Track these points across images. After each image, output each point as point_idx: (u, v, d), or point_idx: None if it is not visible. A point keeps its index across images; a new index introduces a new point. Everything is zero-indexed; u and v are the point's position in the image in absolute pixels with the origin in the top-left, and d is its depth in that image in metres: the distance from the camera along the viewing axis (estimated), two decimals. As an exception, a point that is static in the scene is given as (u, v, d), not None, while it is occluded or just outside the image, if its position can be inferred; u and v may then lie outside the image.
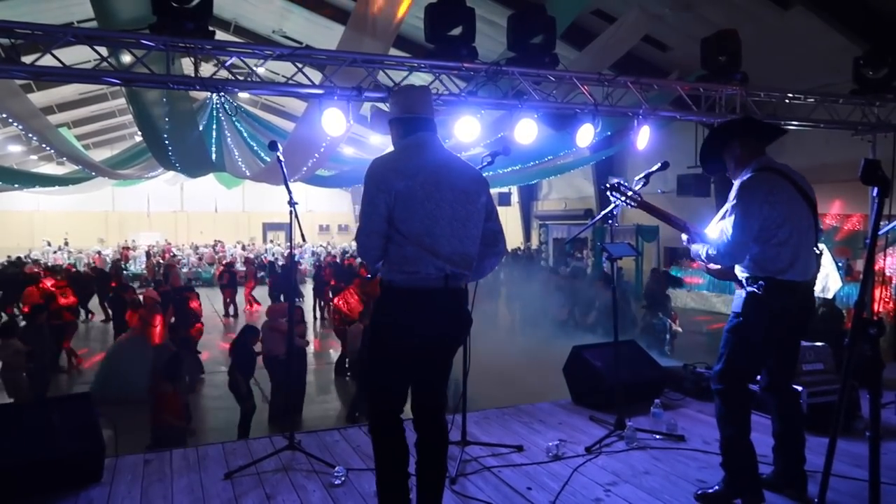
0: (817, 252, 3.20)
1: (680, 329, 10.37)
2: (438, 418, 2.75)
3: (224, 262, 21.23)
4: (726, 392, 3.14)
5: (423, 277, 2.55)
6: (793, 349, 3.28)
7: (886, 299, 9.17)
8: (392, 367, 2.65)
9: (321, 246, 29.43)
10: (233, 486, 3.56)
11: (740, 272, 3.17)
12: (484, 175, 2.91)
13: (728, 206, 3.10)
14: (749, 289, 3.11)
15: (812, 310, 3.25)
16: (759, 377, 3.37)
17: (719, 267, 3.23)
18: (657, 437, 4.25)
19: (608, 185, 3.79)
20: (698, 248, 3.26)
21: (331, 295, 14.02)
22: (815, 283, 3.20)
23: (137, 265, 24.41)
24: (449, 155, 2.75)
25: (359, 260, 15.81)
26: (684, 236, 3.43)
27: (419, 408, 2.77)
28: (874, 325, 1.81)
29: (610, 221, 4.44)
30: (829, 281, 9.12)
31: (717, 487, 3.25)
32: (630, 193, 3.66)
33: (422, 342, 2.59)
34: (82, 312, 14.92)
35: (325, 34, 13.60)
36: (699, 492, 3.34)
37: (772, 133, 3.29)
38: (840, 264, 9.78)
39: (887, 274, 9.19)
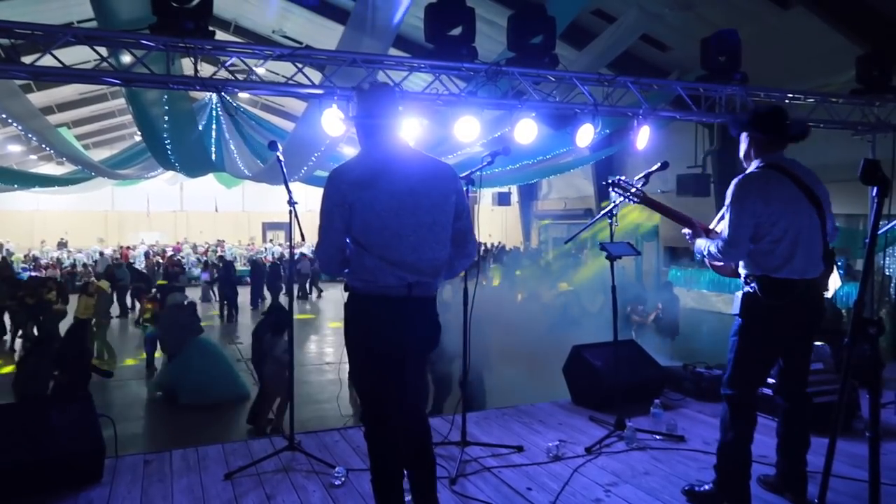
0: (831, 251, 3.14)
1: None
2: (417, 419, 2.75)
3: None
4: (735, 397, 3.11)
5: (383, 287, 2.53)
6: (802, 350, 3.20)
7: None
8: (368, 373, 2.64)
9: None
10: (233, 487, 3.56)
11: (741, 270, 3.16)
12: (478, 174, 2.87)
13: (726, 203, 3.10)
14: (745, 288, 3.10)
15: (818, 309, 3.17)
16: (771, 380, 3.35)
17: (722, 264, 3.23)
18: (657, 437, 4.25)
19: (609, 181, 3.78)
20: (701, 244, 3.25)
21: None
22: (820, 282, 3.12)
23: (137, 265, 24.39)
24: (414, 158, 2.67)
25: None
26: (685, 231, 3.42)
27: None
28: (874, 325, 1.81)
29: (610, 221, 4.44)
30: (828, 280, 9.12)
31: (706, 487, 3.25)
32: (633, 190, 3.66)
33: (388, 347, 2.56)
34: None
35: (324, 34, 13.60)
36: (687, 487, 3.35)
37: (792, 137, 3.15)
38: (840, 263, 9.78)
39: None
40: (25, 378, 6.77)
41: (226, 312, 16.36)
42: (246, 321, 16.17)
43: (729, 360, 3.17)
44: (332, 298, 19.59)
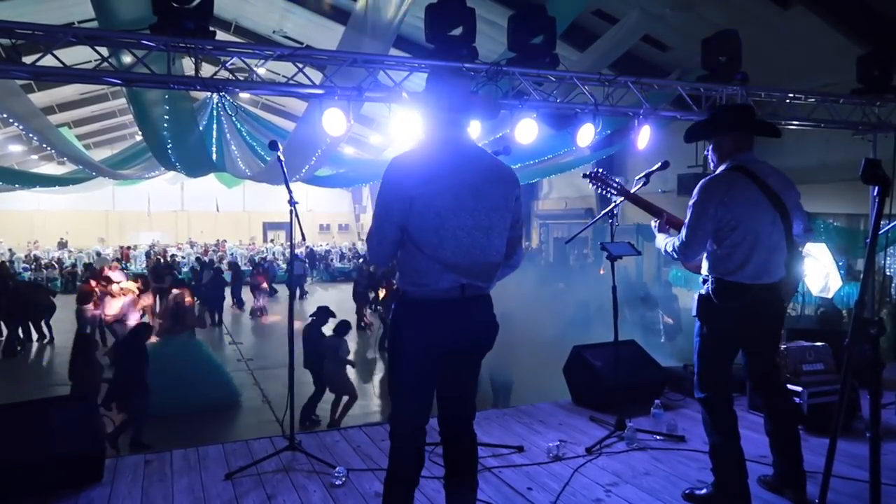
0: (800, 254, 3.15)
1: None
2: (465, 429, 2.63)
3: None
4: (707, 400, 3.14)
5: (435, 290, 2.41)
6: (762, 348, 3.21)
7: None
8: (410, 379, 2.53)
9: (321, 245, 29.52)
10: (233, 487, 3.56)
11: (702, 271, 3.18)
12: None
13: (689, 203, 3.10)
14: (701, 290, 3.13)
15: (775, 313, 3.16)
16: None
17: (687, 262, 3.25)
18: (657, 437, 4.25)
19: (587, 174, 3.80)
20: (660, 241, 3.28)
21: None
22: (781, 287, 3.10)
23: (138, 265, 24.42)
24: (478, 157, 2.52)
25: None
26: (653, 223, 3.43)
27: (444, 418, 2.64)
28: (874, 325, 1.81)
29: (610, 220, 4.44)
30: (829, 280, 9.12)
31: (706, 490, 3.25)
32: (610, 182, 3.68)
33: (439, 354, 2.47)
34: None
35: (325, 34, 13.61)
36: (687, 491, 3.35)
37: (761, 132, 3.20)
38: (840, 264, 9.77)
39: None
40: (80, 382, 6.77)
41: (208, 316, 16.17)
42: (229, 322, 16.19)
43: (694, 363, 3.21)
44: (329, 300, 19.57)
